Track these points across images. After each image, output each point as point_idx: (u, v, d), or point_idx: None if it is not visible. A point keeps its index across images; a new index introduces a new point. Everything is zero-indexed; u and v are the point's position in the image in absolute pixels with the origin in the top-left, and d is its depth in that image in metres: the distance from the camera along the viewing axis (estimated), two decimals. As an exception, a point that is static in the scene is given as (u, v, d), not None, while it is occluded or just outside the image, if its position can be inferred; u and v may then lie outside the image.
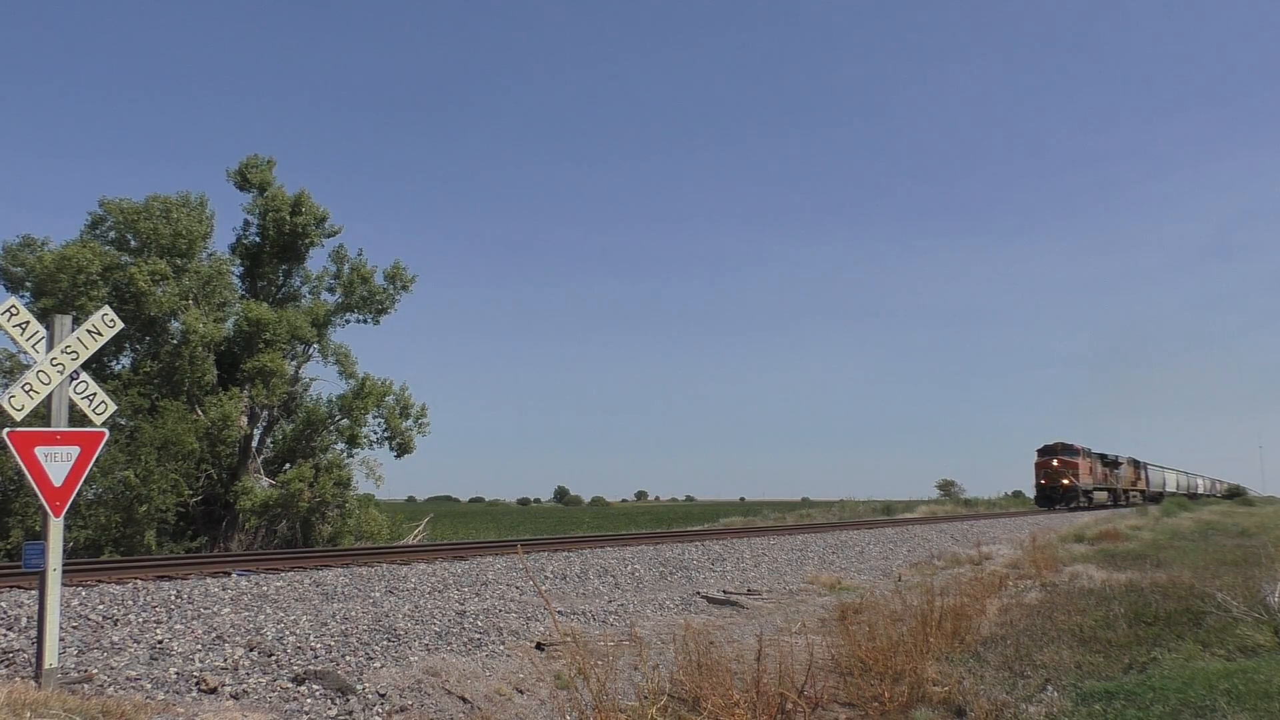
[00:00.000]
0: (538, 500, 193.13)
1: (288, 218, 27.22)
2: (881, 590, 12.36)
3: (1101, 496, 55.39)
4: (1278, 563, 14.05)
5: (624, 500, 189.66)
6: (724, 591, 12.68)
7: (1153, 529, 30.10)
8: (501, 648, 8.20)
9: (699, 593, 12.42)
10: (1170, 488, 79.25)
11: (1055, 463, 51.14)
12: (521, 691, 7.20)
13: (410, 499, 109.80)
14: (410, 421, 28.13)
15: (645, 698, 5.58)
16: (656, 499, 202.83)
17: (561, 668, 7.45)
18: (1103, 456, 57.92)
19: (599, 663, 6.31)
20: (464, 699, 6.82)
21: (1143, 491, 67.47)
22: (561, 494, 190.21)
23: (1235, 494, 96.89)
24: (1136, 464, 68.05)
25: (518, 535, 30.03)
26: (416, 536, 28.64)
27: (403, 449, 28.02)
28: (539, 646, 8.38)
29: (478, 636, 8.39)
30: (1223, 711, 5.76)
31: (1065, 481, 50.60)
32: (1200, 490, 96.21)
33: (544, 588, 11.65)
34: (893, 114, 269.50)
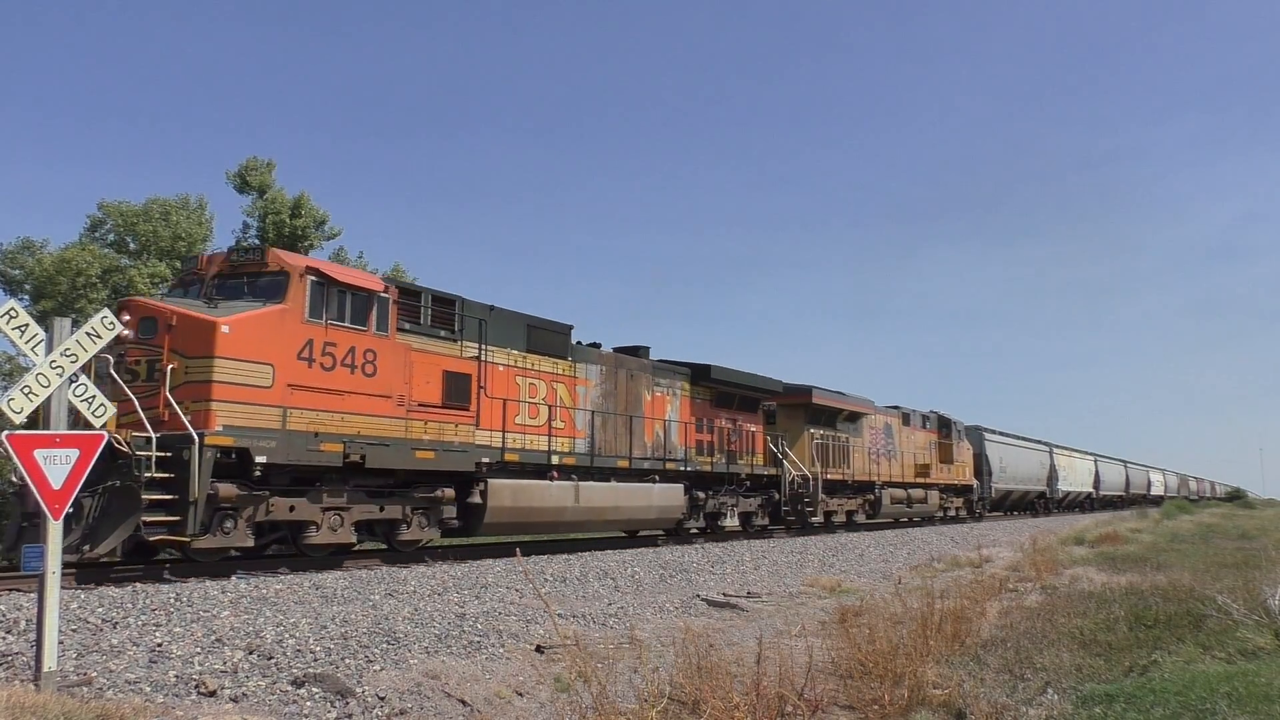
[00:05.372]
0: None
1: (288, 220, 27.26)
2: (881, 593, 12.35)
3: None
4: (1278, 565, 14.06)
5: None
6: (724, 594, 12.67)
7: (1153, 531, 30.25)
8: (501, 650, 8.19)
9: (699, 595, 12.41)
10: (1073, 485, 49.42)
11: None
12: (521, 694, 7.19)
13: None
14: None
15: (645, 700, 5.58)
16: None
17: (561, 670, 7.44)
18: (715, 386, 21.09)
19: (599, 665, 6.30)
20: (463, 701, 6.82)
21: (964, 488, 35.37)
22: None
23: (1235, 496, 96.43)
24: (946, 429, 33.55)
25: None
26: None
27: (402, 452, 27.99)
28: (539, 649, 8.37)
29: (477, 639, 8.38)
30: (1223, 714, 5.76)
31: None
32: (1155, 491, 71.35)
33: (544, 590, 11.64)
34: (894, 116, 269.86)
